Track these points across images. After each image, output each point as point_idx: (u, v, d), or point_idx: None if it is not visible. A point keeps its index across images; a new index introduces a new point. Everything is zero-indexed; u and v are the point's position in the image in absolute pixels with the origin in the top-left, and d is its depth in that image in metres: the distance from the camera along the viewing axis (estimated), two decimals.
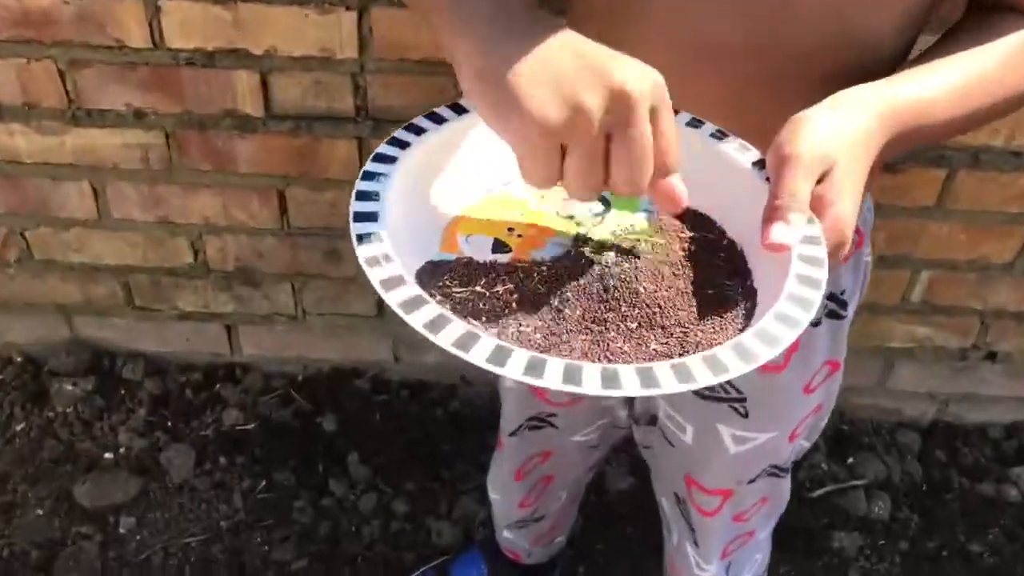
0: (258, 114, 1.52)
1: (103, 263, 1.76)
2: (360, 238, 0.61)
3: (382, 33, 1.42)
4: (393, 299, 0.57)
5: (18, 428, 1.81)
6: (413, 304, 0.57)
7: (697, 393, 0.95)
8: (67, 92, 1.51)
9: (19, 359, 1.90)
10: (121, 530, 1.68)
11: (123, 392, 1.85)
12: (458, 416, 1.88)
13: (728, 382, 0.93)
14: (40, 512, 1.69)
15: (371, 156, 0.67)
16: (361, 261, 0.60)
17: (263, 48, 1.44)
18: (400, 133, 0.69)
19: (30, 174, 1.63)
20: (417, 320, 0.56)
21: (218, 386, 1.88)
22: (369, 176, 0.66)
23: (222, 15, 1.41)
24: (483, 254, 0.66)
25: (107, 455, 1.77)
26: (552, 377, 0.53)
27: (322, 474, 1.76)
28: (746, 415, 0.95)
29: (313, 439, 1.80)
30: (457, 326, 0.56)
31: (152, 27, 1.43)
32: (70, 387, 1.84)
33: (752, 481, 1.04)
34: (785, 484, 1.10)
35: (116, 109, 1.53)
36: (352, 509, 1.72)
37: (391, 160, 0.67)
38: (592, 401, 1.11)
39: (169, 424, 1.82)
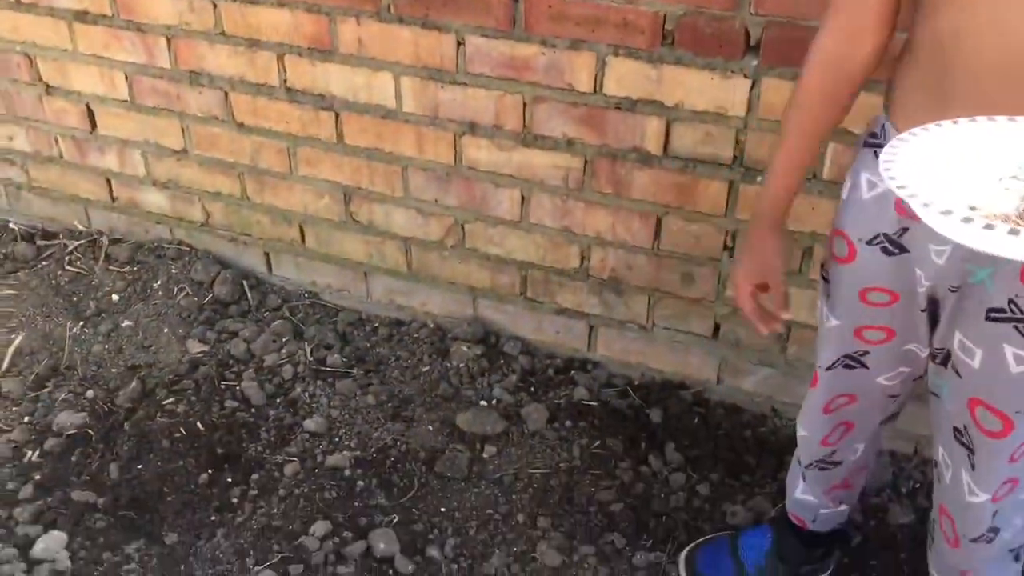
0: (657, 152, 2.02)
1: (511, 257, 2.31)
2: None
3: (768, 99, 1.87)
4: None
5: (423, 370, 2.37)
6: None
7: (987, 316, 1.24)
8: (524, 120, 2.10)
9: (431, 325, 2.49)
10: (484, 455, 2.16)
11: (502, 361, 2.37)
12: (763, 440, 2.20)
13: (1013, 303, 1.21)
14: (430, 428, 2.22)
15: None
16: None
17: (674, 101, 1.95)
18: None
19: (481, 179, 2.23)
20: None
21: (573, 372, 2.35)
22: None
23: (649, 73, 1.93)
24: None
25: (483, 402, 2.28)
26: None
27: (644, 450, 2.14)
28: None
29: (641, 424, 2.20)
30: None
31: (596, 78, 1.98)
32: (465, 349, 2.39)
33: None
34: None
35: (554, 136, 2.09)
36: (664, 481, 2.08)
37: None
38: (900, 342, 1.41)
39: (532, 390, 2.30)
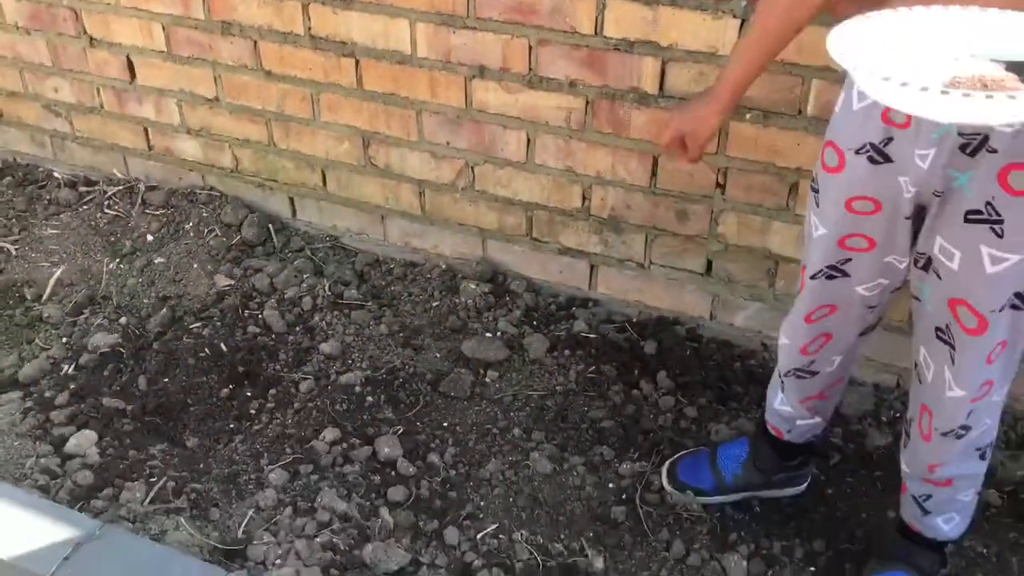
0: (654, 92, 2.15)
1: (518, 199, 2.45)
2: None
3: None
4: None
5: (434, 305, 2.52)
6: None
7: (965, 219, 1.34)
8: (530, 62, 2.24)
9: (443, 266, 2.64)
10: (486, 379, 2.29)
11: (508, 298, 2.51)
12: (752, 372, 2.31)
13: (990, 204, 1.32)
14: (437, 355, 2.37)
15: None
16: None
17: (668, 42, 2.07)
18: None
19: (489, 121, 2.37)
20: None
21: (574, 309, 2.48)
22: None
23: (646, 14, 2.06)
24: None
25: (487, 333, 2.41)
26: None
27: (636, 376, 2.27)
28: (1002, 235, 1.32)
29: (635, 355, 2.33)
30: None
31: (597, 20, 2.12)
32: (473, 287, 2.53)
33: (1002, 309, 1.38)
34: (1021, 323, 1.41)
35: (558, 78, 2.22)
36: (653, 404, 2.20)
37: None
38: (881, 253, 1.51)
39: (535, 323, 2.44)
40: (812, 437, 1.92)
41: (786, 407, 1.86)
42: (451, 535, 1.88)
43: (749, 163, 2.13)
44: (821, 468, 2.04)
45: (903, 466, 1.70)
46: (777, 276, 2.26)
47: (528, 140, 2.35)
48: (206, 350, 2.35)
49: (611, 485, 2.02)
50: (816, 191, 1.57)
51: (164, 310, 2.49)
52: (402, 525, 1.89)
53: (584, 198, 2.37)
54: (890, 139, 1.41)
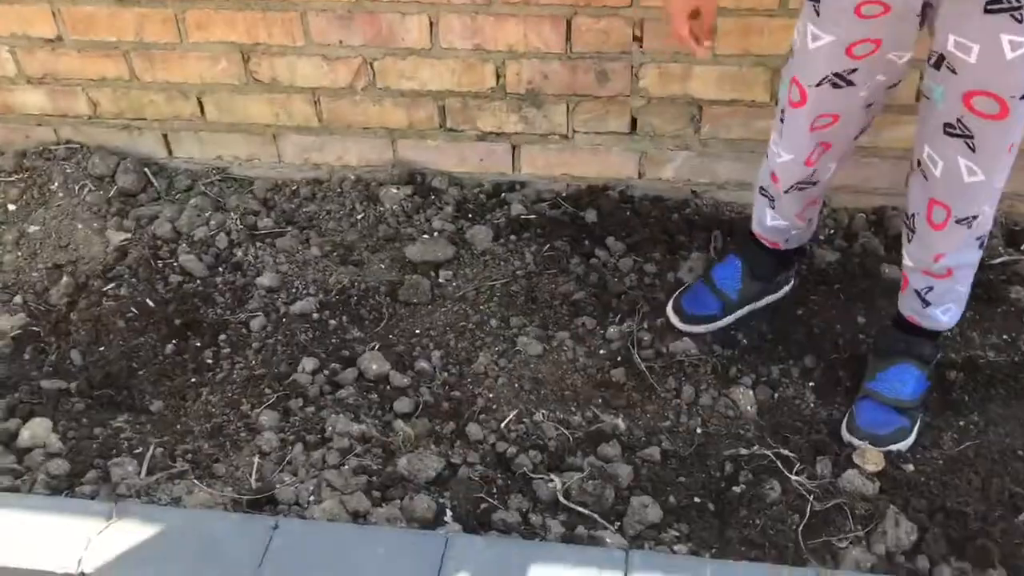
0: None
1: (426, 89, 2.34)
2: None
3: None
4: None
5: (358, 218, 2.40)
6: None
7: (985, 9, 1.37)
8: None
9: (352, 177, 2.51)
10: (441, 280, 2.23)
11: (433, 197, 2.43)
12: (690, 220, 2.36)
13: None
14: (382, 266, 2.27)
15: None
16: None
17: None
18: None
19: (385, 10, 2.23)
20: None
21: (503, 195, 2.43)
22: None
23: None
24: None
25: (425, 235, 2.33)
26: None
27: (588, 246, 2.27)
28: (1021, 20, 1.36)
29: (579, 226, 2.32)
30: None
31: None
32: (395, 191, 2.43)
33: (1022, 98, 1.44)
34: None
35: None
36: (613, 268, 2.22)
37: None
38: (884, 51, 1.53)
39: (470, 216, 2.37)
40: (803, 243, 2.01)
41: (780, 221, 1.92)
42: (474, 431, 1.84)
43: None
44: (801, 259, 2.13)
45: (906, 260, 1.79)
46: (702, 120, 2.29)
47: (431, 23, 2.24)
48: (132, 310, 2.14)
49: (602, 351, 2.03)
50: (816, 0, 1.57)
51: (64, 279, 2.24)
52: (421, 433, 1.83)
53: (498, 76, 2.30)
54: None
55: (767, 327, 2.07)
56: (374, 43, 2.29)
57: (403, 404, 1.88)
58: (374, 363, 1.97)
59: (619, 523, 1.68)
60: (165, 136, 2.55)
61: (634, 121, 2.32)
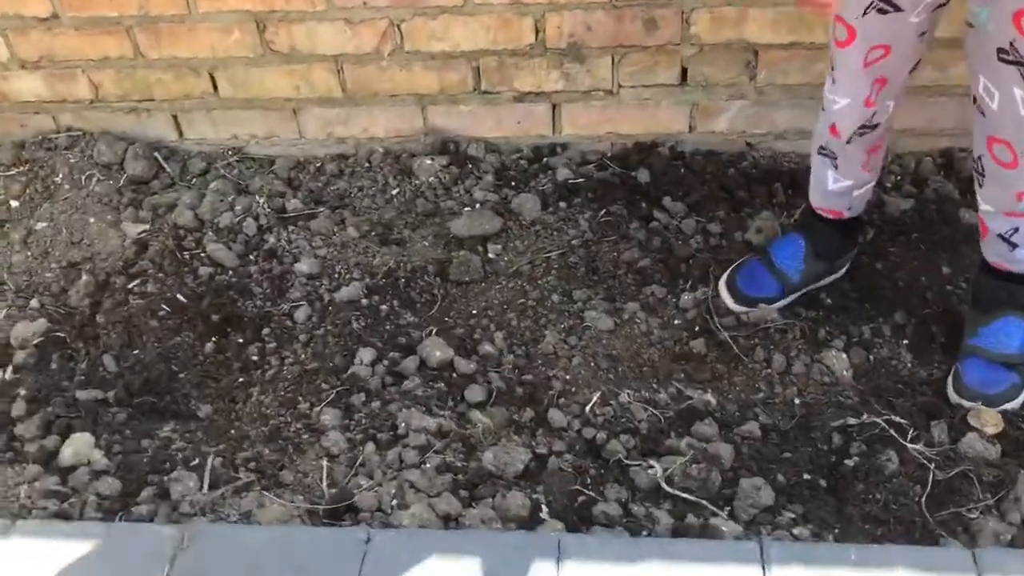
0: None
1: (459, 50, 2.17)
2: None
3: None
4: None
5: (393, 193, 2.23)
6: None
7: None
8: None
9: (380, 150, 2.33)
10: (491, 254, 2.07)
11: (470, 166, 2.26)
12: (747, 174, 2.21)
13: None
14: (426, 244, 2.11)
15: None
16: None
17: None
18: None
19: None
20: None
21: (545, 159, 2.27)
22: None
23: None
24: None
25: (467, 208, 2.18)
26: None
27: (646, 208, 2.12)
28: None
29: (631, 187, 2.17)
30: None
31: None
32: (429, 163, 2.26)
33: None
34: None
35: None
36: (676, 230, 2.08)
37: None
38: None
39: (513, 184, 2.22)
40: (866, 204, 1.86)
41: (843, 182, 1.79)
42: (556, 417, 1.70)
43: None
44: (862, 248, 2.00)
45: (983, 206, 1.66)
46: (758, 67, 2.14)
47: None
48: (163, 307, 1.98)
49: (677, 322, 1.90)
50: None
51: (83, 278, 2.07)
52: (500, 423, 1.69)
53: (537, 30, 2.13)
54: None
55: (848, 284, 1.94)
56: (402, 3, 2.11)
57: (475, 392, 1.74)
58: (436, 350, 1.82)
59: (729, 508, 1.55)
60: (175, 117, 2.36)
61: (684, 71, 2.17)
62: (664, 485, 1.57)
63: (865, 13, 1.52)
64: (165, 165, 2.35)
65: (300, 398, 1.78)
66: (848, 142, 1.72)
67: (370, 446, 1.65)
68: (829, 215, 1.86)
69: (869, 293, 1.92)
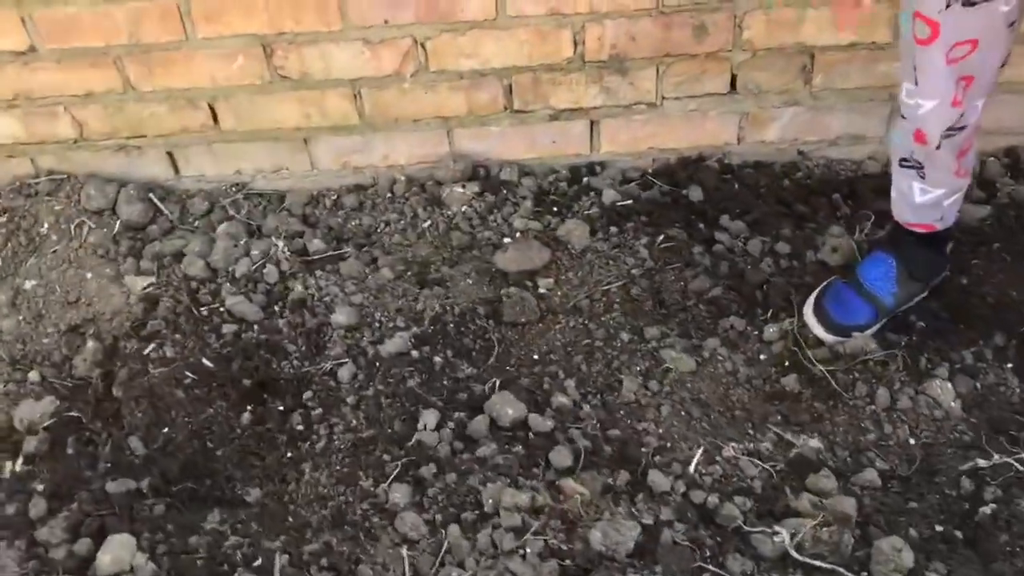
0: None
1: (490, 67, 1.98)
2: None
3: None
4: None
5: (424, 227, 2.04)
6: None
7: None
8: None
9: (402, 178, 2.13)
10: (542, 289, 1.89)
11: (505, 192, 2.08)
12: (802, 184, 2.07)
13: None
14: (470, 282, 1.92)
15: None
16: None
17: None
18: None
19: None
20: None
21: (585, 180, 2.09)
22: None
23: None
24: None
25: (506, 239, 1.99)
26: None
27: (705, 230, 1.96)
28: None
29: (683, 207, 2.01)
30: None
31: None
32: (460, 191, 2.07)
33: None
34: None
35: None
36: (742, 252, 1.92)
37: None
38: None
39: (555, 209, 2.04)
40: (957, 214, 1.73)
41: (933, 192, 1.65)
42: (657, 480, 1.52)
43: None
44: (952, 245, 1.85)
45: None
46: (814, 71, 1.99)
47: None
48: (187, 374, 1.76)
49: (763, 356, 1.74)
50: None
51: (89, 344, 1.84)
52: (595, 492, 1.51)
53: (576, 43, 1.95)
54: None
55: (936, 303, 1.80)
56: (428, 19, 1.91)
57: (560, 456, 1.56)
58: (507, 406, 1.63)
59: (866, 573, 1.40)
60: (170, 154, 2.13)
61: (734, 79, 2.01)
62: (793, 553, 1.41)
63: (949, 5, 1.40)
64: (162, 207, 2.12)
65: (360, 472, 1.59)
66: (938, 148, 1.58)
67: (454, 529, 1.46)
68: (920, 229, 1.71)
69: (960, 312, 1.78)
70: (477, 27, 1.93)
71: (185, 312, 1.88)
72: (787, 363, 1.72)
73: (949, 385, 1.65)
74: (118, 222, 2.08)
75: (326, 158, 2.14)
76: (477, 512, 1.49)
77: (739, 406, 1.67)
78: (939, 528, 1.46)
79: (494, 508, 1.48)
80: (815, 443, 1.58)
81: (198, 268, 1.97)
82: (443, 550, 1.44)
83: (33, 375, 1.82)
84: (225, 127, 2.08)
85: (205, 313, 1.88)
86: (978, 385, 1.67)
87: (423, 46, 1.96)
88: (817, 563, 1.40)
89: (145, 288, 1.95)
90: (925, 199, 1.67)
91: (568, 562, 1.41)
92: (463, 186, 2.08)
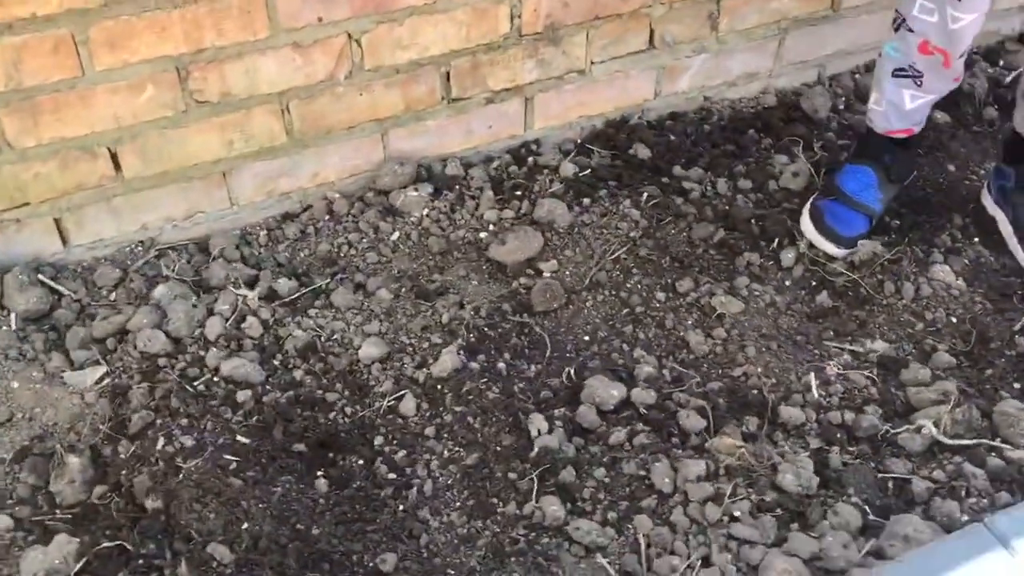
0: None
1: (428, 55, 1.85)
2: None
3: None
4: None
5: (392, 240, 1.86)
6: None
7: None
8: None
9: (335, 195, 1.92)
10: (546, 274, 1.81)
11: (459, 188, 1.95)
12: (722, 126, 2.15)
13: None
14: (473, 283, 1.79)
15: None
16: None
17: None
18: None
19: None
20: None
21: (530, 159, 2.02)
22: None
23: None
24: None
25: (482, 234, 1.87)
26: None
27: (672, 183, 1.98)
28: None
29: (638, 166, 2.01)
30: None
31: None
32: (415, 194, 1.91)
33: None
34: None
35: None
36: (715, 195, 1.96)
37: None
38: None
39: (519, 193, 1.94)
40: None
41: (924, 97, 1.78)
42: (791, 414, 1.52)
43: None
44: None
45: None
46: (720, 15, 2.08)
47: None
48: (227, 457, 1.46)
49: (787, 282, 1.80)
50: None
51: (71, 461, 1.46)
52: (732, 446, 1.47)
53: (512, 17, 1.88)
54: None
55: (894, 203, 1.96)
56: (364, 11, 1.74)
57: (692, 420, 1.50)
58: (610, 389, 1.55)
59: (999, 439, 1.50)
60: (57, 221, 1.76)
61: (651, 35, 2.04)
62: (943, 439, 1.47)
63: None
64: (59, 288, 1.74)
65: (491, 500, 1.42)
66: (961, 55, 1.69)
67: (642, 519, 1.36)
68: (901, 135, 1.85)
69: (919, 203, 1.96)
70: (416, 13, 1.79)
71: (179, 394, 1.56)
72: (813, 283, 1.79)
73: (948, 267, 1.82)
74: (13, 315, 1.68)
75: (248, 190, 1.87)
76: (655, 496, 1.40)
77: (795, 331, 1.71)
78: (1017, 385, 1.61)
79: (672, 486, 1.39)
80: (878, 344, 1.67)
81: (160, 342, 1.64)
82: (644, 544, 1.34)
83: (4, 521, 1.42)
84: (129, 175, 1.75)
85: (202, 388, 1.57)
86: (966, 262, 1.85)
87: (358, 42, 1.78)
88: (964, 442, 1.48)
89: (99, 382, 1.60)
90: (915, 104, 1.79)
91: (779, 511, 1.37)
92: (415, 189, 1.92)
